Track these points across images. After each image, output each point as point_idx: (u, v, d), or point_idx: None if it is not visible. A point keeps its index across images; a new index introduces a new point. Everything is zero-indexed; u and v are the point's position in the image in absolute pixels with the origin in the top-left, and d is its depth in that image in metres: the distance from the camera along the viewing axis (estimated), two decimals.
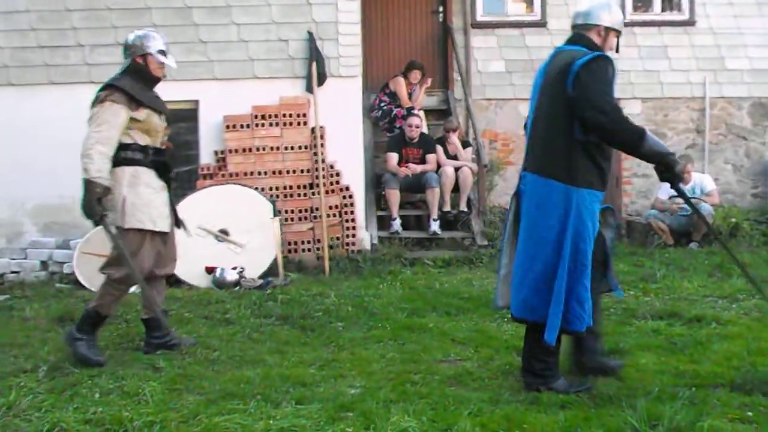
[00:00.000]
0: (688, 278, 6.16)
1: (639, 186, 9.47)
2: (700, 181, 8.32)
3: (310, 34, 7.41)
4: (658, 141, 3.47)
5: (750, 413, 3.14)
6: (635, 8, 9.63)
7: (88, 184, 4.00)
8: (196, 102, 7.48)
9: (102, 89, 4.18)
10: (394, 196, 7.64)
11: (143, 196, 4.17)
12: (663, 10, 9.75)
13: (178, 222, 4.49)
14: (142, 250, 4.18)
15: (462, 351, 4.34)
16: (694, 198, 8.10)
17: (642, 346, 4.25)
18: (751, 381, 3.50)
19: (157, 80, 4.37)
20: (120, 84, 4.16)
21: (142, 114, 4.18)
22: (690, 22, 9.56)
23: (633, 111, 9.48)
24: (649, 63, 9.49)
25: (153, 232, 4.21)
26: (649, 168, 9.44)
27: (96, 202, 3.99)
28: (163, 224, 4.27)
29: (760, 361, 3.87)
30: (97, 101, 4.14)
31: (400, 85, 8.48)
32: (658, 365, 3.90)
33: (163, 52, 4.32)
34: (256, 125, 7.32)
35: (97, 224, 4.16)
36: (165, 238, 4.35)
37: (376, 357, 4.23)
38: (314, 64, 7.31)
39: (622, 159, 9.44)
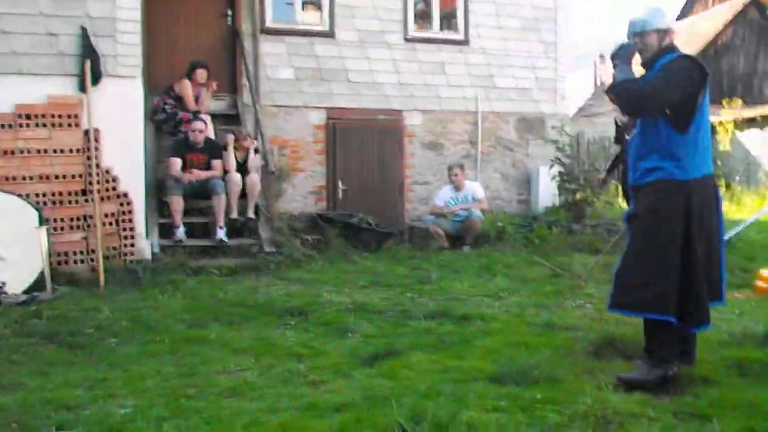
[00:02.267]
0: (460, 279, 6.64)
1: (420, 193, 10.03)
2: (472, 189, 9.01)
3: (83, 29, 6.92)
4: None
5: (503, 402, 3.43)
6: (416, 25, 10.19)
7: None
8: None
9: None
10: (177, 202, 7.38)
11: None
12: (441, 29, 10.42)
13: None
14: None
15: (242, 361, 4.29)
16: (465, 204, 8.76)
17: (415, 346, 4.47)
18: (507, 373, 3.82)
19: None
20: None
21: None
22: (464, 42, 10.31)
23: (414, 122, 10.04)
24: (429, 78, 10.10)
25: None
26: (429, 175, 10.11)
27: None
28: None
29: (516, 353, 4.25)
30: None
31: (185, 88, 8.22)
32: (429, 363, 4.13)
33: None
34: (20, 125, 6.68)
35: None
36: None
37: (151, 373, 4.04)
38: (88, 62, 6.84)
39: (405, 167, 9.96)
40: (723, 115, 15.35)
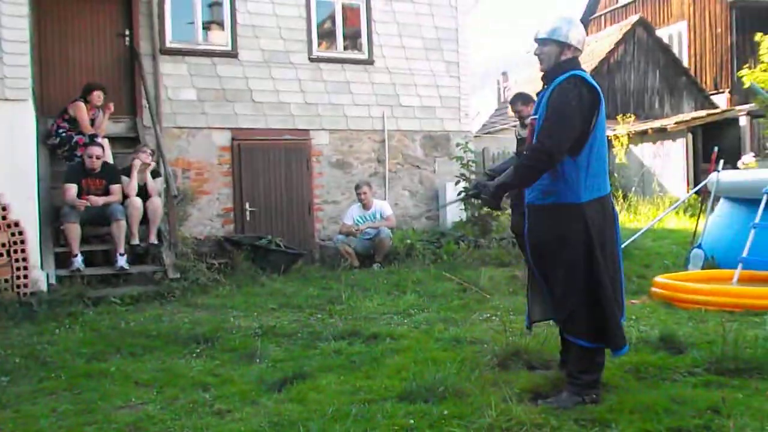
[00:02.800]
0: (370, 297, 6.64)
1: (329, 212, 10.00)
2: (380, 207, 9.07)
3: None
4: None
5: (412, 420, 3.44)
6: (320, 45, 10.22)
7: None
8: None
9: None
10: (73, 230, 7.05)
11: None
12: (345, 48, 10.49)
13: None
14: None
15: (144, 393, 4.12)
16: (374, 223, 8.80)
17: (324, 368, 4.42)
18: (416, 390, 3.83)
19: None
20: None
21: None
22: (369, 61, 10.42)
23: (321, 141, 10.03)
24: (335, 97, 10.13)
25: None
26: (337, 194, 10.15)
27: None
28: None
29: (425, 370, 4.26)
30: None
31: (80, 110, 7.90)
32: (338, 385, 4.09)
33: None
34: None
35: None
36: None
37: (45, 412, 3.82)
38: None
39: (313, 187, 9.92)
40: (618, 130, 16.13)
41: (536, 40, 3.74)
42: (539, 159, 3.54)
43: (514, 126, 8.26)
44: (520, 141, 7.41)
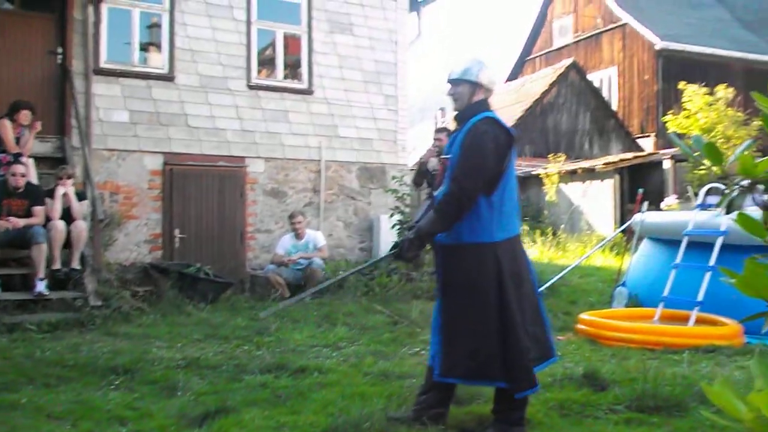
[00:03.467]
0: (299, 329, 6.54)
1: (262, 241, 9.87)
2: (313, 237, 9.01)
3: None
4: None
5: None
6: (260, 72, 10.18)
7: None
8: None
9: None
10: None
11: None
12: (285, 77, 10.49)
13: None
14: None
15: (57, 428, 3.91)
16: (307, 253, 8.72)
17: (248, 402, 4.31)
18: (342, 426, 3.77)
19: None
20: None
21: None
22: (308, 91, 10.42)
23: (257, 169, 9.94)
24: (273, 125, 10.08)
25: None
26: (270, 224, 10.02)
27: None
28: None
29: (352, 405, 4.20)
30: None
31: (4, 129, 7.61)
32: (262, 420, 3.98)
33: None
34: None
35: None
36: None
37: None
38: None
39: (247, 215, 9.79)
40: (549, 168, 16.58)
41: (449, 80, 3.82)
42: (460, 200, 3.56)
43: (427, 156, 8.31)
44: (435, 174, 7.54)
